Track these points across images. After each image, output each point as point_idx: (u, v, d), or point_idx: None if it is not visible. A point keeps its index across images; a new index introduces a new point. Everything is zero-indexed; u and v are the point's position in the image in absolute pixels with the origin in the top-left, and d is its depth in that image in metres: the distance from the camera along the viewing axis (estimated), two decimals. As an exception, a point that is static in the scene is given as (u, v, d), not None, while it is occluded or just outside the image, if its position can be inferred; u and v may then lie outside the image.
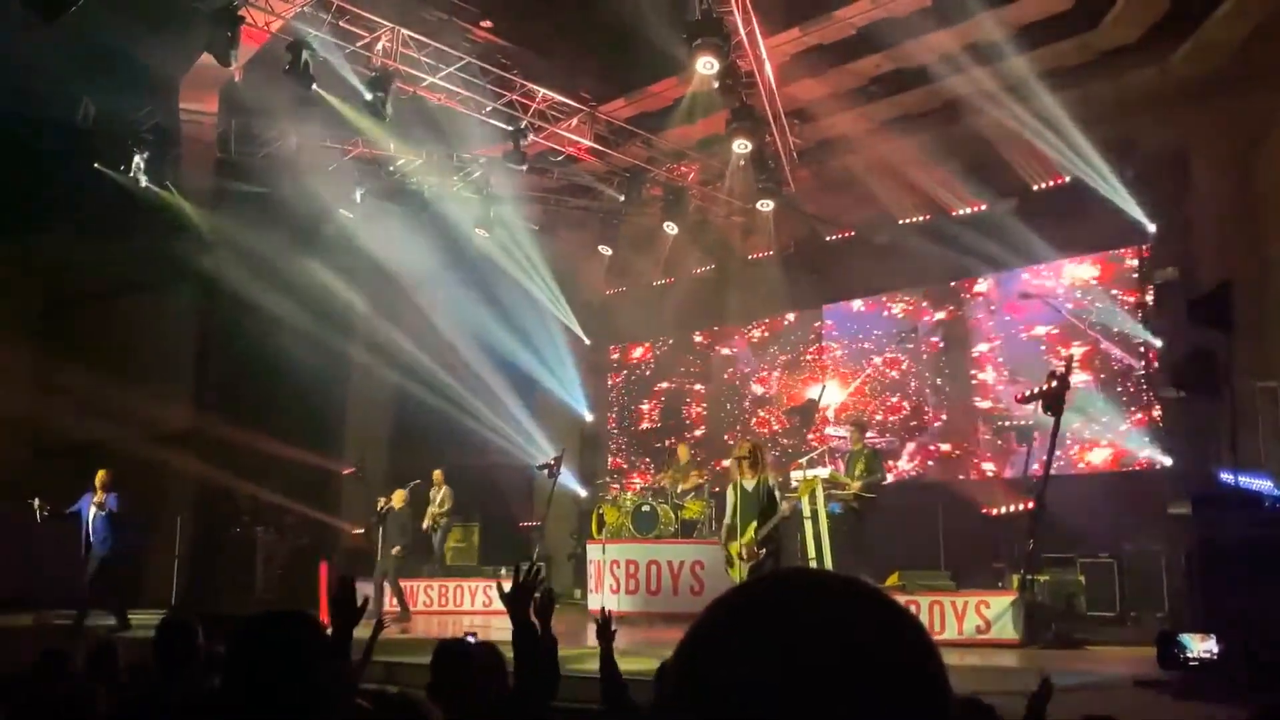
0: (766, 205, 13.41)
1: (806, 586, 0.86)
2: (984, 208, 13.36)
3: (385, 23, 11.21)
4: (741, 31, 10.73)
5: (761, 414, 16.17)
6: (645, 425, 17.74)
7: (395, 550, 12.36)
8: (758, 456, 8.77)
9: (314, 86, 11.11)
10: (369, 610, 3.79)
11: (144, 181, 12.80)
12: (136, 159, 12.64)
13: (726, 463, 10.92)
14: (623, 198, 14.25)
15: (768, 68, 11.51)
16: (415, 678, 6.14)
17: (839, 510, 10.63)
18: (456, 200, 14.80)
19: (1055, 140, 11.39)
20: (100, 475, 11.10)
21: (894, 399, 14.70)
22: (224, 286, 13.72)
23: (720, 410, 16.82)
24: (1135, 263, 12.69)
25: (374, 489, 14.20)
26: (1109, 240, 12.66)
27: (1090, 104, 11.13)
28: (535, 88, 12.49)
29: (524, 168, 13.12)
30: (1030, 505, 9.57)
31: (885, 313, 15.04)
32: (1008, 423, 13.28)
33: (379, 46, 11.34)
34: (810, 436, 13.98)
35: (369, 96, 11.28)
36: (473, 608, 13.38)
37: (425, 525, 13.95)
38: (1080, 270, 13.10)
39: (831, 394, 14.61)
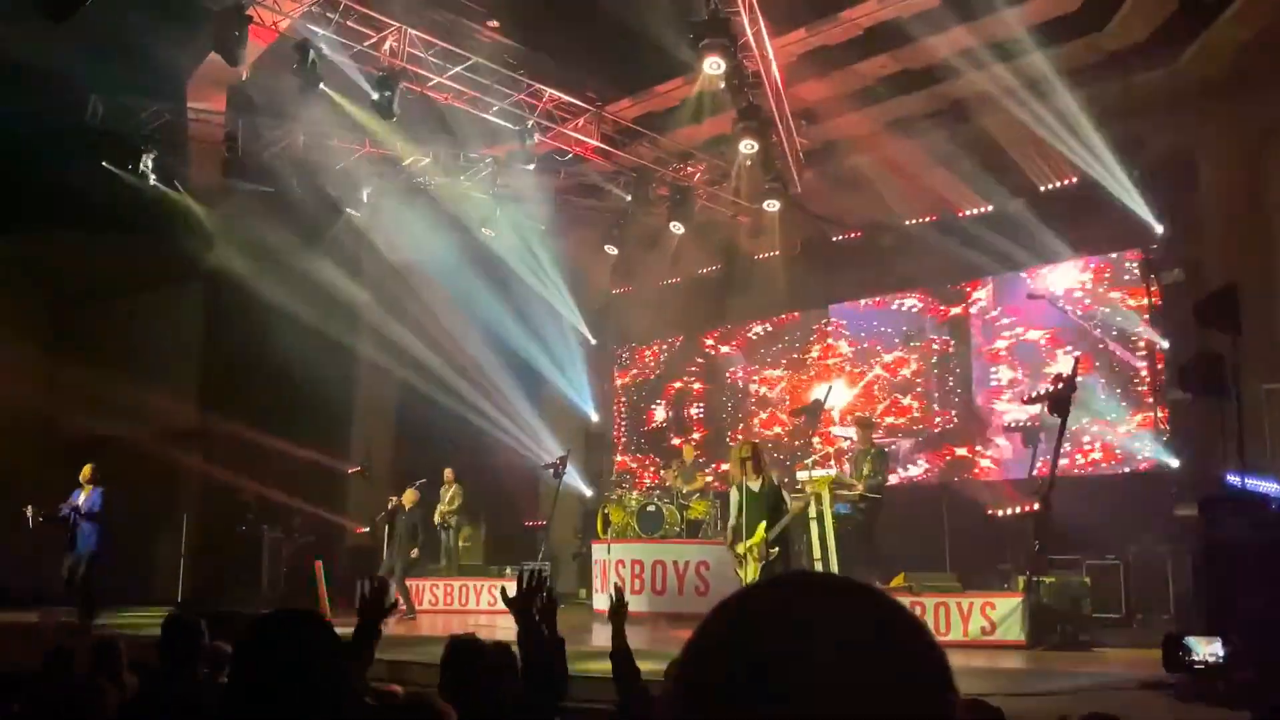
0: (773, 205, 13.41)
1: (812, 589, 0.86)
2: (991, 208, 13.35)
3: (393, 22, 11.22)
4: (748, 32, 10.73)
5: (764, 416, 16.16)
6: (651, 425, 17.74)
7: (414, 553, 12.44)
8: (759, 457, 8.78)
9: (321, 85, 11.14)
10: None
11: (152, 180, 12.83)
12: (145, 158, 12.67)
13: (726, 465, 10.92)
14: (629, 197, 14.26)
15: (774, 68, 11.50)
16: (422, 676, 6.15)
17: (845, 511, 10.62)
18: (463, 200, 14.81)
19: (1062, 141, 11.38)
20: (84, 470, 11.02)
21: (900, 400, 14.68)
22: (231, 285, 13.75)
23: (724, 410, 16.82)
24: (1142, 264, 12.66)
25: (380, 488, 14.24)
26: (1116, 241, 12.64)
27: (1098, 105, 11.10)
28: (542, 87, 12.49)
29: (531, 167, 13.13)
30: (1036, 507, 9.54)
31: (891, 313, 15.02)
32: (1014, 424, 13.26)
33: (386, 46, 11.35)
34: (816, 440, 13.96)
35: (376, 96, 11.30)
36: (479, 607, 13.40)
37: (435, 522, 14.02)
38: (1087, 271, 13.09)
39: (837, 394, 14.60)
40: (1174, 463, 11.81)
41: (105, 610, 10.92)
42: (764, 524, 8.52)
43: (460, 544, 14.82)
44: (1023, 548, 9.83)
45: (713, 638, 0.83)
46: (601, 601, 12.30)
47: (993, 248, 12.67)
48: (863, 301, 15.40)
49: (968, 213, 13.62)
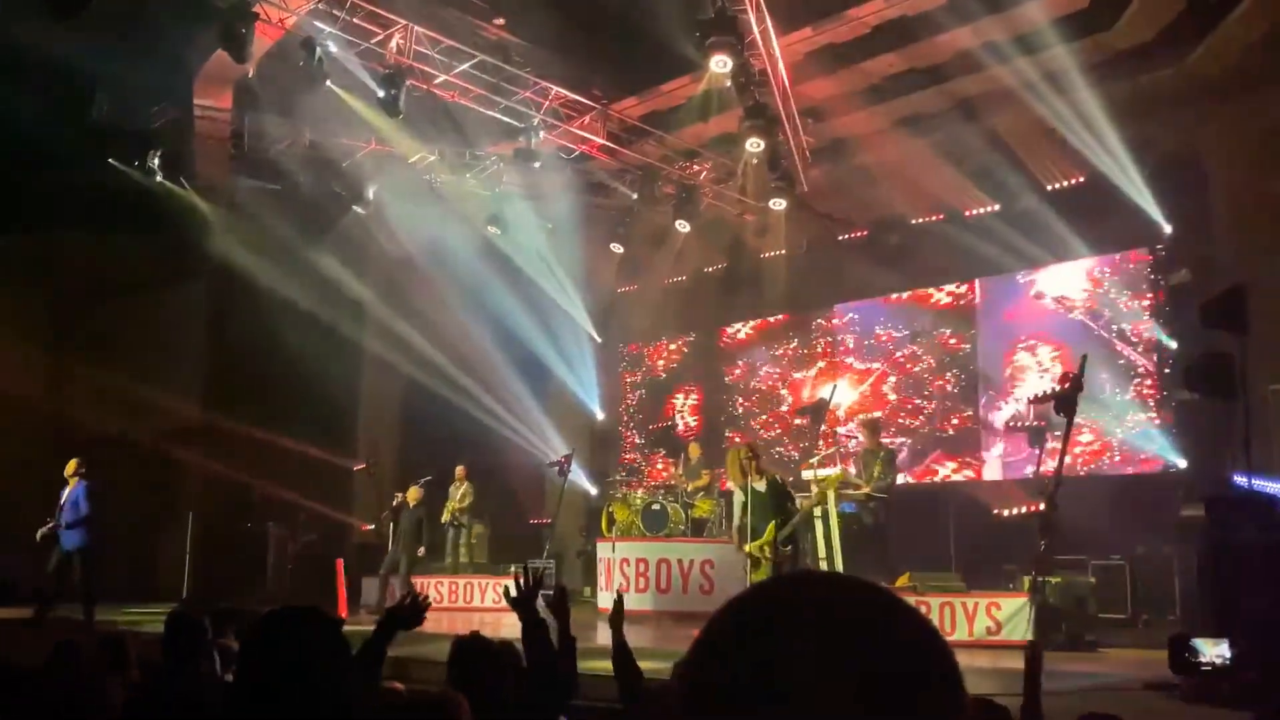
0: (779, 204, 13.40)
1: (819, 588, 0.86)
2: (997, 207, 13.33)
3: (399, 19, 11.23)
4: (755, 30, 10.72)
5: (765, 416, 16.15)
6: (656, 424, 17.73)
7: (420, 552, 12.45)
8: (759, 457, 8.77)
9: (328, 83, 11.14)
10: (370, 605, 3.81)
11: (158, 177, 12.85)
12: (151, 155, 12.69)
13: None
14: (635, 196, 14.26)
15: (781, 66, 11.49)
16: (427, 673, 6.14)
17: (851, 510, 10.60)
18: (469, 197, 14.82)
19: (1070, 140, 11.35)
20: (69, 465, 10.93)
21: (906, 399, 14.67)
22: (237, 282, 13.76)
23: (727, 410, 16.81)
24: (1149, 263, 12.63)
25: (385, 485, 14.24)
26: (1123, 241, 12.62)
27: (1105, 104, 11.07)
28: (548, 85, 12.49)
29: (537, 165, 13.14)
30: (1041, 507, 9.51)
31: (897, 312, 15.00)
32: (1020, 423, 13.24)
33: (393, 43, 11.36)
34: (821, 441, 13.94)
35: (382, 93, 11.31)
36: (483, 604, 13.40)
37: (444, 520, 14.02)
38: (1094, 270, 13.06)
39: (843, 394, 14.59)
40: (1181, 463, 11.79)
41: (108, 607, 10.91)
42: (774, 524, 8.49)
43: (471, 542, 14.85)
44: (1028, 548, 9.80)
45: (720, 637, 0.83)
46: (606, 600, 12.29)
47: (999, 246, 12.65)
48: (868, 301, 15.38)
49: (974, 211, 13.60)
